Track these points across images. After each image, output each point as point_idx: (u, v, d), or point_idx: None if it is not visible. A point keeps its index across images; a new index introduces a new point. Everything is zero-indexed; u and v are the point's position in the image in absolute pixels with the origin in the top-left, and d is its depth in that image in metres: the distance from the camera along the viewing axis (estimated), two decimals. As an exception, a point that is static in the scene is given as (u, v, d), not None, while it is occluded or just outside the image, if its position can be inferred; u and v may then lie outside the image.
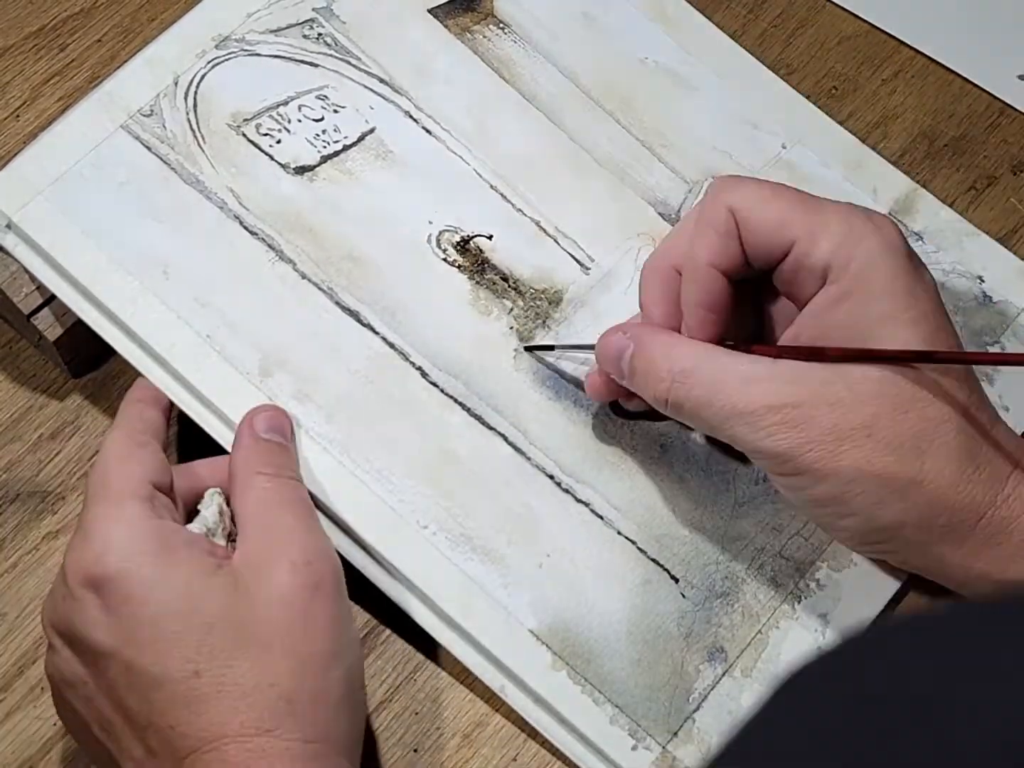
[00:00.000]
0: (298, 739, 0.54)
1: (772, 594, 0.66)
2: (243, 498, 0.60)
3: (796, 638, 0.65)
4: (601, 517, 0.66)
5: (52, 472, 0.69)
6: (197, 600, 0.55)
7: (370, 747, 0.64)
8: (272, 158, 0.70)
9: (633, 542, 0.66)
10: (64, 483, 0.69)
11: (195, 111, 0.70)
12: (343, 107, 0.72)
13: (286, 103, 0.71)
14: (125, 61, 0.71)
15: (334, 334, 0.67)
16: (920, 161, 0.80)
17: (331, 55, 0.73)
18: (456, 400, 0.67)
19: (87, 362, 0.71)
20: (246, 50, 0.72)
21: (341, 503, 0.64)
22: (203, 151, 0.69)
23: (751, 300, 0.65)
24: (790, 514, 0.67)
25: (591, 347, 0.66)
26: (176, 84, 0.70)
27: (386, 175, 0.71)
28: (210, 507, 0.60)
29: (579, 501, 0.66)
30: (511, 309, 0.69)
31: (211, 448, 0.64)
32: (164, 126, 0.69)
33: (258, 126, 0.70)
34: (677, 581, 0.66)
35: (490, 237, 0.71)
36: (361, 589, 0.63)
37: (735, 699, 0.64)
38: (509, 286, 0.70)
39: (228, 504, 0.61)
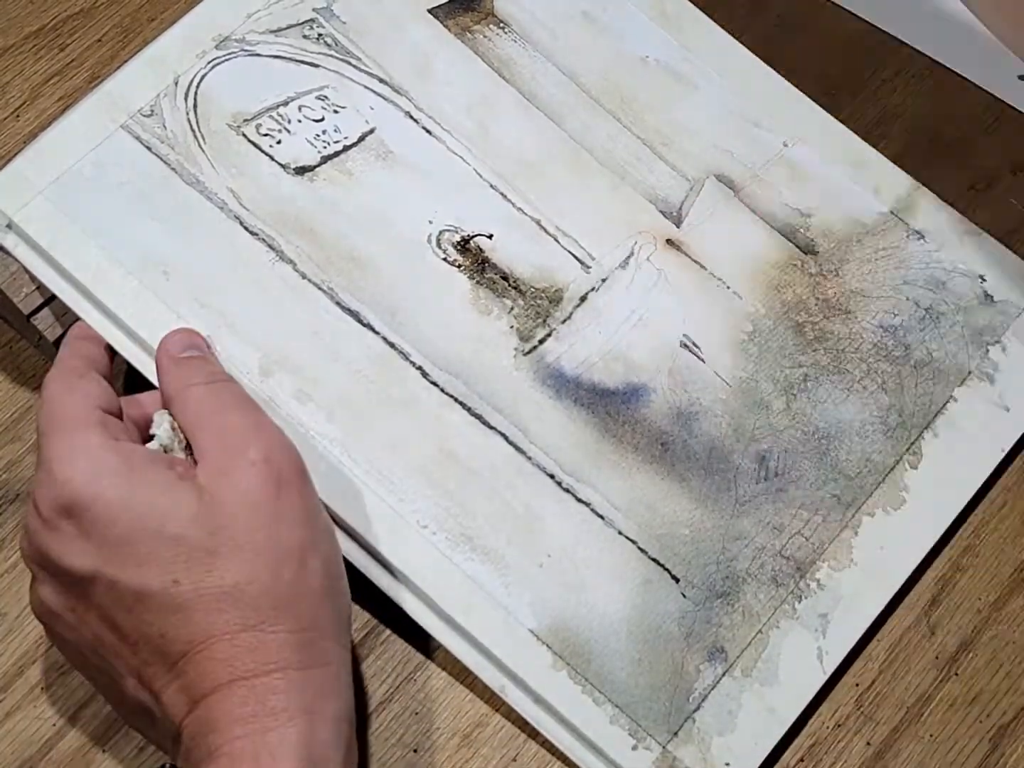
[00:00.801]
0: (284, 630, 0.55)
1: (773, 594, 0.66)
2: (184, 413, 0.60)
3: (796, 638, 0.65)
4: (602, 517, 0.66)
5: (52, 472, 0.69)
6: (165, 513, 0.56)
7: (370, 747, 0.64)
8: (272, 158, 0.70)
9: (634, 542, 0.66)
10: (64, 483, 0.69)
11: (195, 111, 0.70)
12: (343, 107, 0.72)
13: (286, 103, 0.71)
14: (125, 61, 0.71)
15: (334, 334, 0.67)
16: (920, 161, 0.80)
17: (331, 55, 0.73)
18: (456, 399, 0.67)
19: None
20: (246, 50, 0.72)
21: (341, 503, 0.64)
22: (203, 151, 0.69)
23: None
24: (791, 513, 0.67)
25: None
26: (176, 84, 0.70)
27: (386, 175, 0.71)
28: (161, 425, 0.60)
29: (579, 501, 0.66)
30: (511, 308, 0.69)
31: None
32: (164, 126, 0.69)
33: (258, 126, 0.70)
34: (678, 581, 0.66)
35: (490, 236, 0.71)
36: (361, 589, 0.63)
37: (735, 699, 0.64)
38: (509, 285, 0.70)
39: (174, 421, 0.61)
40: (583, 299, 0.70)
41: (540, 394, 0.68)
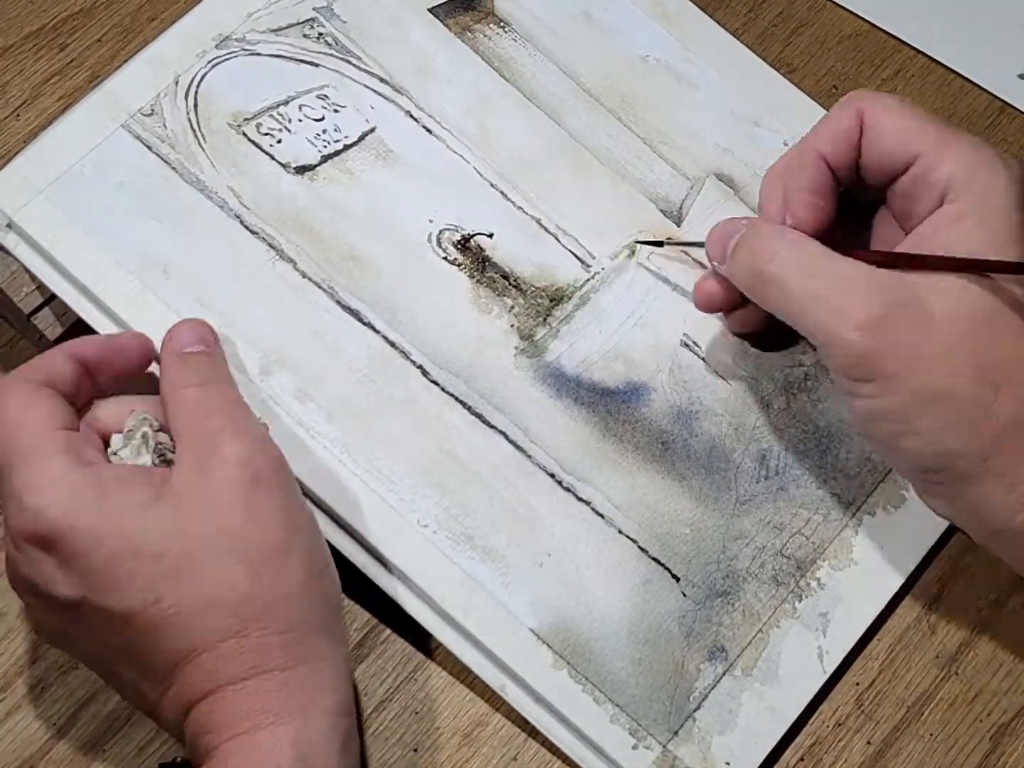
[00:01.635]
0: (269, 632, 0.56)
1: (773, 593, 0.66)
2: (175, 416, 0.60)
3: (797, 637, 0.65)
4: (602, 516, 0.66)
5: (52, 471, 0.69)
6: (140, 535, 0.56)
7: (370, 747, 0.64)
8: (273, 157, 0.70)
9: (634, 541, 0.66)
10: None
11: (196, 111, 0.70)
12: (343, 106, 0.72)
13: (286, 103, 0.71)
14: (125, 60, 0.71)
15: (335, 333, 0.67)
16: (920, 160, 0.80)
17: (331, 55, 0.73)
18: (457, 399, 0.67)
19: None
20: (247, 50, 0.72)
21: (341, 502, 0.64)
22: (204, 150, 0.69)
23: (853, 225, 0.66)
24: (791, 512, 0.67)
25: (694, 244, 0.69)
26: (177, 84, 0.70)
27: (386, 174, 0.71)
28: (136, 426, 0.60)
29: (580, 500, 0.66)
30: (512, 307, 0.69)
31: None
32: (165, 125, 0.69)
33: (259, 125, 0.70)
34: (678, 580, 0.66)
35: (491, 235, 0.71)
36: (361, 588, 0.64)
37: (736, 698, 0.64)
38: (510, 284, 0.70)
39: (156, 423, 0.61)
40: (584, 298, 0.70)
41: (541, 393, 0.68)
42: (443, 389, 0.67)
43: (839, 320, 0.59)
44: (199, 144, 0.69)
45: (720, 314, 0.70)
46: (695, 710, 0.64)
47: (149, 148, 0.68)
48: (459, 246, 0.70)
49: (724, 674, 0.64)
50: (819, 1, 0.86)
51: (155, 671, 0.56)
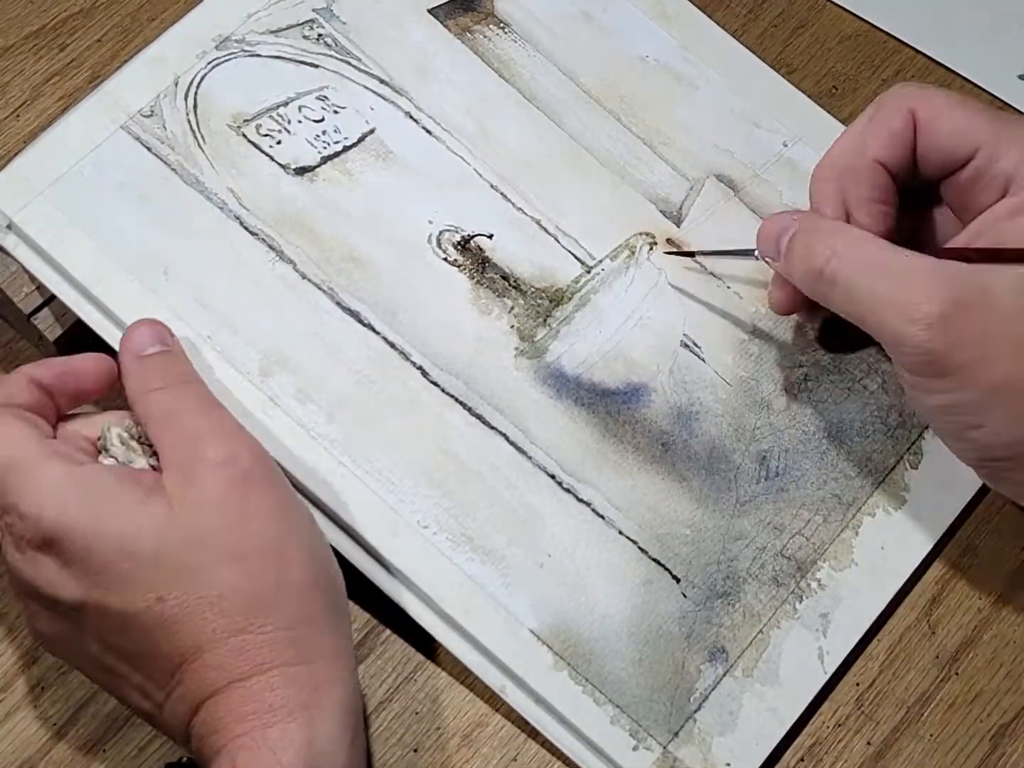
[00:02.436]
0: (274, 628, 0.56)
1: (773, 594, 0.66)
2: (147, 419, 0.60)
3: (797, 638, 0.65)
4: (602, 517, 0.66)
5: (52, 472, 0.69)
6: (137, 534, 0.56)
7: (370, 747, 0.64)
8: (272, 159, 0.70)
9: (634, 542, 0.66)
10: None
11: (195, 112, 0.70)
12: (343, 108, 0.72)
13: (286, 104, 0.71)
14: (125, 61, 0.71)
15: (335, 334, 0.67)
16: (920, 160, 0.80)
17: (331, 56, 0.73)
18: (457, 399, 0.67)
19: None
20: (246, 51, 0.72)
21: (342, 503, 0.64)
22: (203, 152, 0.69)
23: (909, 215, 0.66)
24: (792, 513, 0.67)
25: (739, 252, 0.68)
26: (176, 85, 0.70)
27: (386, 175, 0.71)
28: (110, 439, 0.60)
29: (580, 501, 0.66)
30: (512, 308, 0.69)
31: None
32: (164, 127, 0.69)
33: (258, 127, 0.70)
34: (678, 581, 0.66)
35: (490, 236, 0.71)
36: (361, 589, 0.63)
37: (736, 699, 0.64)
38: (510, 285, 0.70)
39: (134, 427, 0.61)
40: (584, 299, 0.70)
41: (541, 394, 0.68)
42: (443, 390, 0.67)
43: (906, 319, 0.59)
44: (199, 145, 0.69)
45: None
46: (695, 711, 0.64)
47: (149, 149, 0.68)
48: (459, 247, 0.70)
49: (724, 675, 0.64)
50: (819, 1, 0.86)
51: (161, 671, 0.56)
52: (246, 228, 0.68)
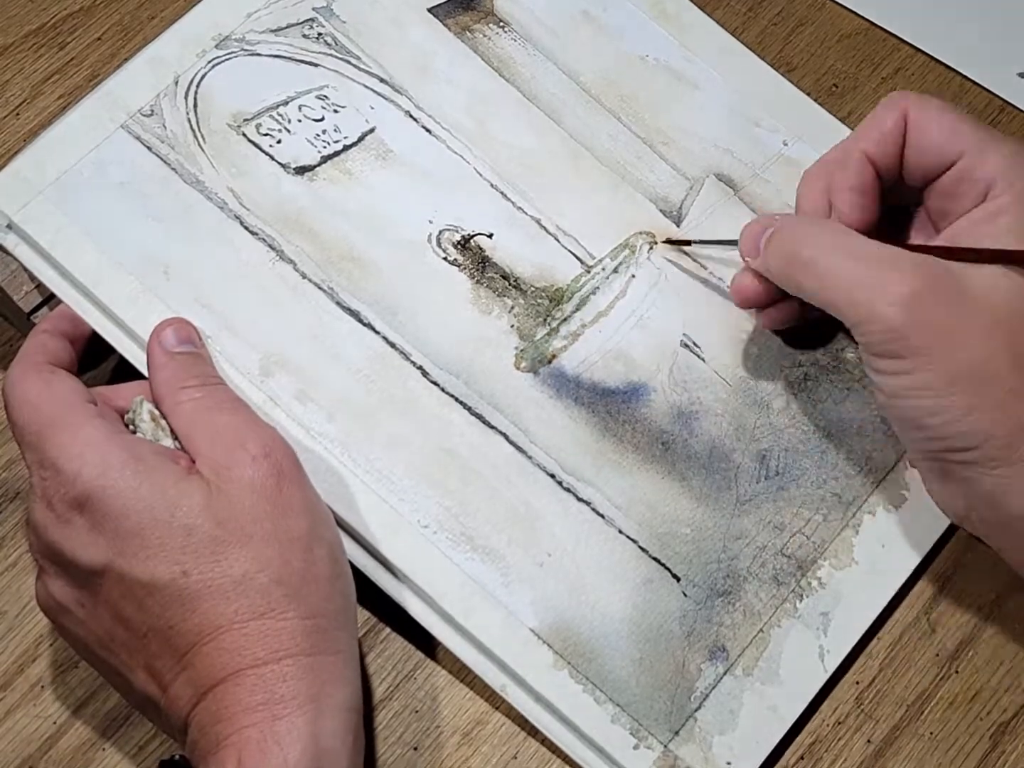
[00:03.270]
0: (294, 616, 0.56)
1: (774, 592, 0.66)
2: (178, 415, 0.60)
3: (798, 637, 0.65)
4: (602, 516, 0.66)
5: (53, 471, 0.69)
6: (174, 505, 0.56)
7: (370, 746, 0.64)
8: (272, 158, 0.70)
9: (634, 541, 0.66)
10: (65, 482, 0.69)
11: (195, 111, 0.70)
12: (343, 107, 0.72)
13: (286, 103, 0.71)
14: (125, 59, 0.72)
15: (335, 334, 0.67)
16: (920, 159, 0.80)
17: (331, 55, 0.73)
18: (457, 399, 0.67)
19: (87, 361, 0.71)
20: (246, 50, 0.72)
21: (342, 502, 0.64)
22: (203, 151, 0.69)
23: (888, 225, 0.67)
24: (792, 512, 0.67)
25: (730, 242, 0.69)
26: (176, 84, 0.70)
27: (386, 175, 0.71)
28: (140, 414, 0.61)
29: (580, 500, 0.66)
30: (512, 307, 0.69)
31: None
32: (164, 126, 0.69)
33: (258, 126, 0.70)
34: (679, 580, 0.66)
35: (490, 236, 0.71)
36: (362, 588, 0.63)
37: (737, 698, 0.64)
38: (510, 284, 0.70)
39: (159, 411, 0.61)
40: (583, 298, 0.70)
41: (541, 393, 0.68)
42: (443, 390, 0.67)
43: (876, 295, 0.60)
44: (199, 145, 0.69)
45: (754, 310, 0.70)
46: (696, 710, 0.64)
47: (149, 148, 0.68)
48: (459, 246, 0.70)
49: (725, 674, 0.64)
50: (819, 0, 0.86)
51: (172, 650, 0.56)
52: (246, 227, 0.68)
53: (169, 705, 0.57)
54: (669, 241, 0.72)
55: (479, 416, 0.67)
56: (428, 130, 0.73)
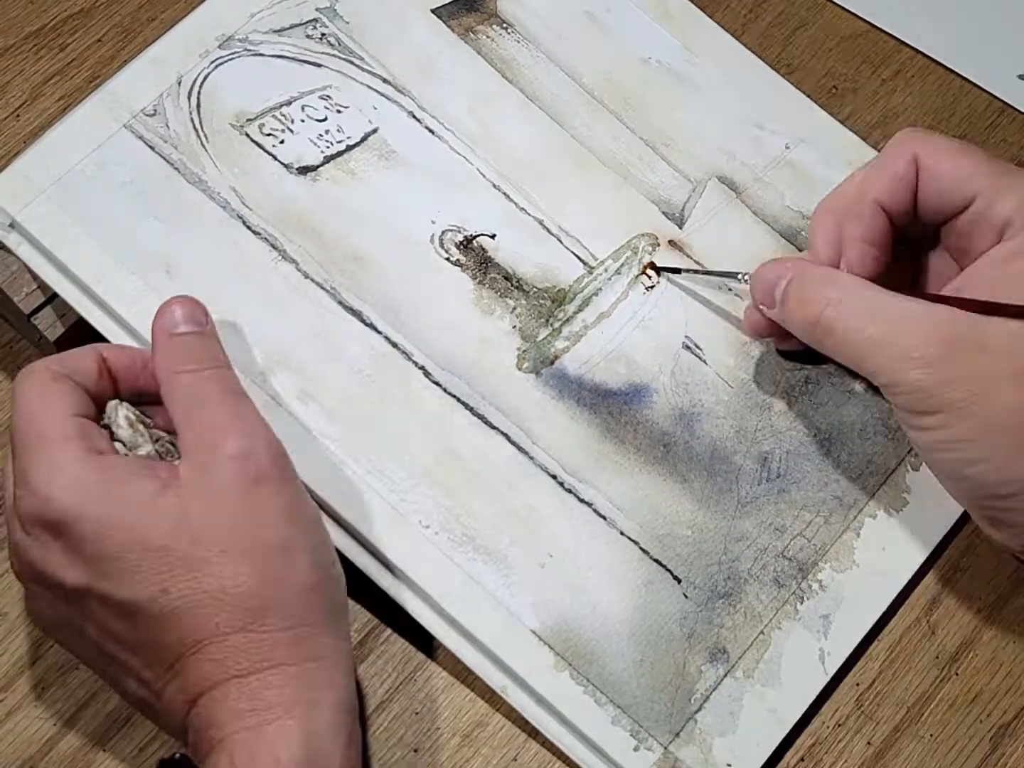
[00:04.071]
0: (276, 628, 0.56)
1: (774, 595, 0.66)
2: (172, 400, 0.60)
3: (798, 639, 0.65)
4: (604, 517, 0.66)
5: (53, 471, 0.69)
6: (148, 526, 0.56)
7: (371, 747, 0.64)
8: (275, 158, 0.70)
9: (635, 542, 0.66)
10: (65, 482, 0.68)
11: (198, 111, 0.70)
12: (346, 107, 0.72)
13: (289, 103, 0.71)
14: (125, 61, 0.71)
15: (337, 334, 0.67)
16: (920, 161, 0.80)
17: (334, 55, 0.73)
18: (459, 400, 0.67)
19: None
20: (249, 50, 0.72)
21: (343, 502, 0.64)
22: (206, 151, 0.69)
23: (908, 260, 0.67)
24: (793, 515, 0.67)
25: (722, 273, 0.69)
26: (179, 84, 0.70)
27: (389, 175, 0.71)
28: (116, 421, 0.60)
29: (582, 501, 0.66)
30: (514, 308, 0.69)
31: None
32: (167, 126, 0.69)
33: (261, 126, 0.70)
34: (679, 582, 0.66)
35: (493, 236, 0.71)
36: (362, 588, 0.63)
37: (737, 700, 0.64)
38: (512, 285, 0.70)
39: (134, 415, 0.61)
40: (586, 300, 0.70)
41: (543, 394, 0.68)
42: (445, 390, 0.67)
43: (901, 363, 0.60)
44: (202, 144, 0.69)
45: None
46: (696, 711, 0.64)
47: (152, 148, 0.68)
48: (462, 247, 0.70)
49: (725, 676, 0.64)
50: (818, 1, 0.86)
51: (160, 661, 0.56)
52: (249, 227, 0.68)
53: (165, 709, 0.57)
54: (658, 268, 0.72)
55: (481, 417, 0.67)
56: (431, 131, 0.73)
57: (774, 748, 0.64)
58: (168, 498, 0.57)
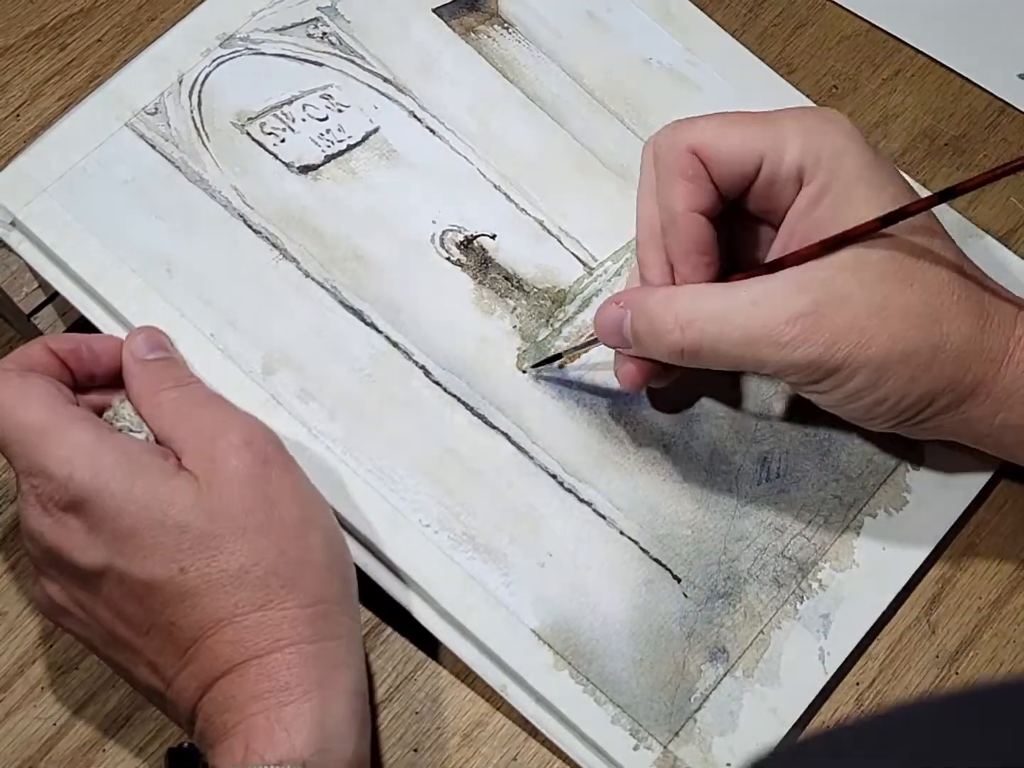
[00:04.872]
0: (294, 605, 0.56)
1: (774, 594, 0.66)
2: (158, 417, 0.60)
3: (798, 638, 0.66)
4: (603, 517, 0.66)
5: (54, 470, 0.69)
6: (167, 503, 0.56)
7: (371, 747, 0.64)
8: (276, 157, 0.70)
9: (635, 542, 0.66)
10: (66, 482, 0.68)
11: (199, 109, 0.70)
12: (347, 106, 0.72)
13: (290, 102, 0.71)
14: (125, 60, 0.71)
15: (337, 333, 0.67)
16: (920, 160, 0.80)
17: (335, 54, 0.73)
18: (459, 399, 0.67)
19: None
20: (251, 49, 0.72)
21: (343, 501, 0.64)
22: (207, 149, 0.69)
23: (724, 235, 0.65)
24: (793, 514, 0.67)
25: (581, 346, 0.67)
26: (180, 82, 0.70)
27: (390, 174, 0.71)
28: (121, 413, 0.61)
29: (581, 501, 0.66)
30: (514, 308, 0.69)
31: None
32: (168, 124, 0.69)
33: (262, 125, 0.70)
34: (679, 581, 0.66)
35: (493, 237, 0.71)
36: (363, 587, 0.63)
37: (737, 699, 0.64)
38: (512, 285, 0.70)
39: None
40: (586, 300, 0.70)
41: (543, 394, 0.68)
42: (445, 390, 0.67)
43: (779, 348, 0.60)
44: (203, 143, 0.69)
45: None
46: (696, 711, 0.64)
47: (153, 147, 0.68)
48: (462, 247, 0.70)
49: (725, 675, 0.64)
50: (819, 1, 0.86)
51: (175, 645, 0.56)
52: (250, 226, 0.68)
53: (175, 697, 0.57)
54: (535, 365, 0.69)
55: (481, 416, 0.67)
56: (432, 130, 0.73)
57: (774, 748, 0.64)
58: (184, 477, 0.57)
